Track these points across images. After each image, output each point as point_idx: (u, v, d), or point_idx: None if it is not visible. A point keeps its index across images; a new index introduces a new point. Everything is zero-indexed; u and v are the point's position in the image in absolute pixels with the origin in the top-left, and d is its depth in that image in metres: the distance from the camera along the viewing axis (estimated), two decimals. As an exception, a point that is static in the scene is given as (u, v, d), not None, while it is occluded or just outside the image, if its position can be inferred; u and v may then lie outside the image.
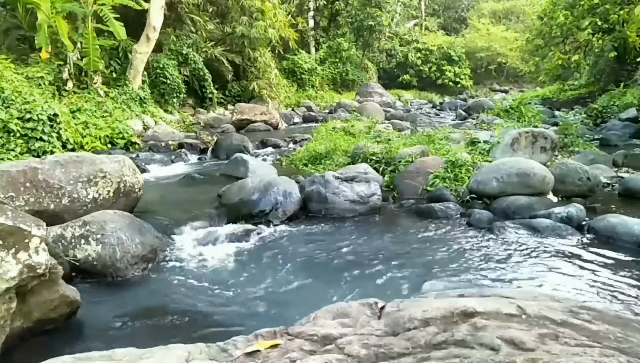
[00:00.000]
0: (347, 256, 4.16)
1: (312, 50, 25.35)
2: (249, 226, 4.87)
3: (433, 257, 4.13)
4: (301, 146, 9.66)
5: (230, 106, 16.32)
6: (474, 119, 13.42)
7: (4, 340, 2.46)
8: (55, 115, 7.79)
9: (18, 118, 7.31)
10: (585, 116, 12.75)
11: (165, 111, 13.28)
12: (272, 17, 16.81)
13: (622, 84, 14.69)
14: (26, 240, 2.56)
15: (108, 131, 9.57)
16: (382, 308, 1.66)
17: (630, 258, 3.97)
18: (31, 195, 4.02)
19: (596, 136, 10.53)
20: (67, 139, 8.11)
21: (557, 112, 14.08)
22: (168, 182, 7.07)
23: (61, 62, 10.20)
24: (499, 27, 34.25)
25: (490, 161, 6.27)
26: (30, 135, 7.38)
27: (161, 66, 13.25)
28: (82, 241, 3.70)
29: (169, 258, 4.12)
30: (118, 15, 10.72)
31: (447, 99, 25.32)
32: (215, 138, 10.33)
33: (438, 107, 20.99)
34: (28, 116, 7.40)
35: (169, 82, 13.32)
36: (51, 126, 7.70)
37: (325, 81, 24.03)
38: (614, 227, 4.39)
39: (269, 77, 17.18)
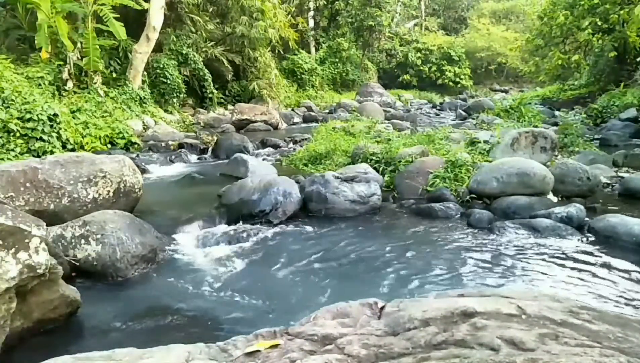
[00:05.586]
0: (347, 256, 4.16)
1: (312, 50, 25.36)
2: (249, 226, 4.87)
3: (433, 257, 4.12)
4: (301, 146, 9.66)
5: (230, 106, 16.33)
6: (474, 119, 13.42)
7: (4, 340, 2.46)
8: (55, 115, 7.79)
9: (18, 118, 7.31)
10: (585, 116, 12.78)
11: (165, 111, 13.28)
12: (272, 17, 16.83)
13: (622, 84, 14.70)
14: (26, 240, 2.56)
15: (108, 131, 9.57)
16: (382, 308, 1.66)
17: (630, 258, 3.96)
18: (31, 195, 4.03)
19: (596, 136, 10.56)
20: (67, 139, 8.11)
21: (557, 112, 14.10)
22: (168, 182, 7.07)
23: (61, 62, 10.21)
24: (499, 27, 34.25)
25: (490, 161, 6.26)
26: (30, 135, 7.39)
27: (161, 66, 13.26)
28: (82, 241, 3.69)
29: (169, 258, 4.12)
30: (118, 15, 10.73)
31: (447, 99, 25.29)
32: (215, 138, 10.33)
33: (438, 107, 20.96)
34: (28, 116, 7.40)
35: (169, 82, 13.33)
36: (51, 126, 7.69)
37: (325, 81, 24.04)
38: (614, 227, 4.39)
39: (269, 77, 17.19)
